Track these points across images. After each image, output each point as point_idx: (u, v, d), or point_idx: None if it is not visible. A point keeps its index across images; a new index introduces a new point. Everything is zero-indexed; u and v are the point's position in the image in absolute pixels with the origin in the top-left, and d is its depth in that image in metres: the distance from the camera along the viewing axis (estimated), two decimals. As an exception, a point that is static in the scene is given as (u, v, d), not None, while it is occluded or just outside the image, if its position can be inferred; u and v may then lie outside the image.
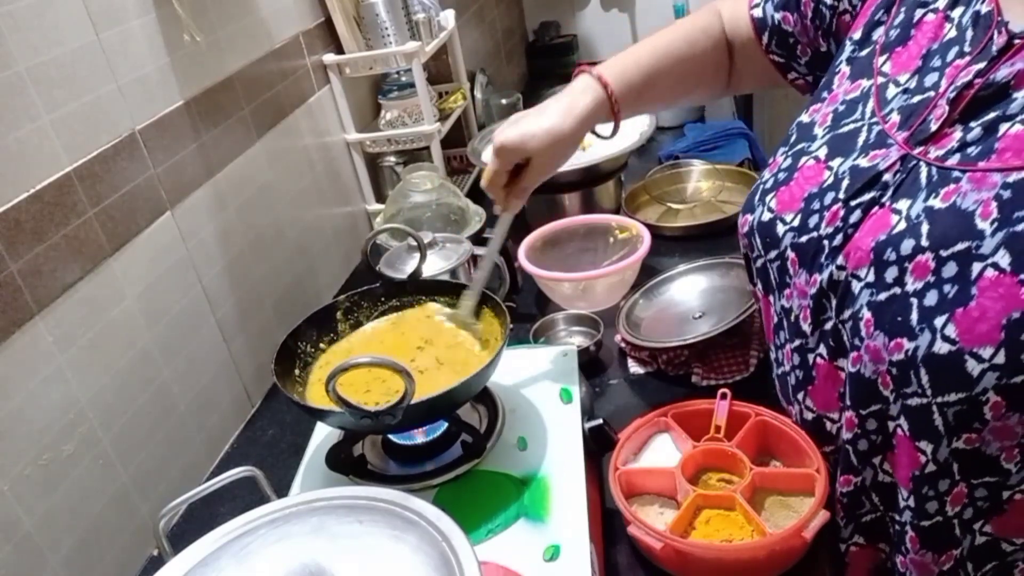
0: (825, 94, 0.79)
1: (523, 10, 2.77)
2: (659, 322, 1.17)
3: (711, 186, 1.60)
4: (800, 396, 0.81)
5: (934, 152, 0.65)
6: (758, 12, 0.90)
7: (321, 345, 0.90)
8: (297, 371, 0.86)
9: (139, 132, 0.98)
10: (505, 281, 1.31)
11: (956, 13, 0.69)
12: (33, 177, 0.83)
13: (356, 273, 1.56)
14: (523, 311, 1.30)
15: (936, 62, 0.68)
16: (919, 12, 0.72)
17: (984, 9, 0.66)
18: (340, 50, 1.50)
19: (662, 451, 0.90)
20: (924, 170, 0.65)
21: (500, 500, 0.76)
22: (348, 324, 0.93)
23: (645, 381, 1.11)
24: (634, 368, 1.13)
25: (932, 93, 0.67)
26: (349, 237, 1.57)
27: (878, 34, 0.76)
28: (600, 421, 0.86)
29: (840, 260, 0.70)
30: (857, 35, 0.78)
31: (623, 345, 1.15)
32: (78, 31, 0.90)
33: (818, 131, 0.77)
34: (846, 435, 0.74)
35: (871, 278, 0.67)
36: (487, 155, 1.59)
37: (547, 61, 2.63)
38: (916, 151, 0.66)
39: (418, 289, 0.94)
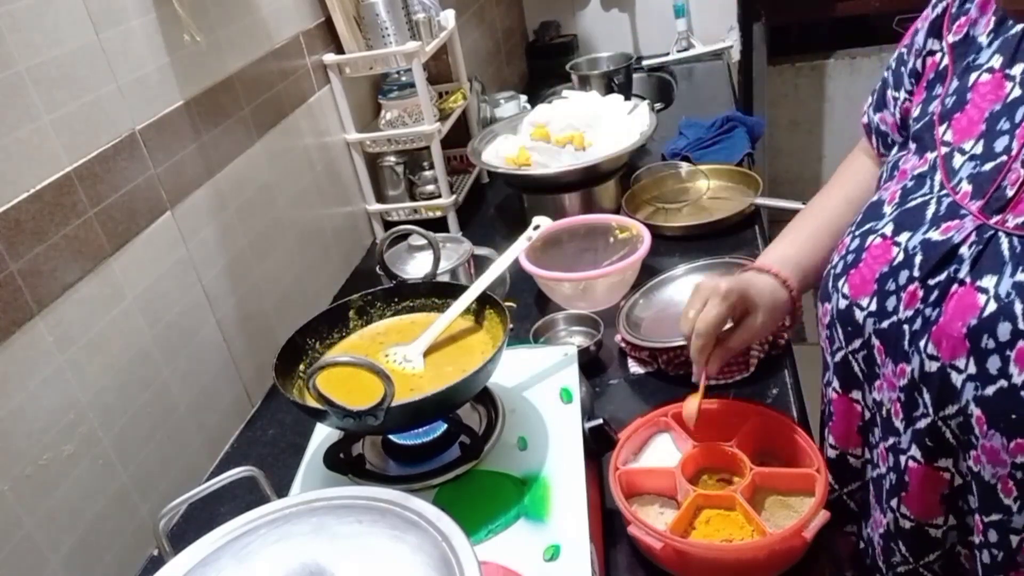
0: (895, 172, 0.76)
1: (523, 10, 2.77)
2: (659, 322, 1.17)
3: (711, 186, 1.60)
4: (894, 503, 0.74)
5: (1013, 220, 0.61)
6: (865, 119, 0.89)
7: (329, 343, 0.90)
8: (302, 367, 0.86)
9: (139, 132, 0.98)
10: (506, 281, 1.31)
11: (1017, 71, 0.65)
12: (33, 177, 0.83)
13: (356, 273, 1.56)
14: (523, 311, 1.30)
15: (1004, 124, 0.64)
16: (973, 76, 0.69)
17: None
18: (340, 50, 1.50)
19: (662, 451, 0.90)
20: (1005, 241, 0.61)
21: (500, 500, 0.75)
22: (360, 323, 0.93)
23: (645, 381, 1.11)
24: (634, 368, 1.13)
25: (1004, 157, 0.63)
26: (349, 237, 1.57)
27: (934, 106, 0.73)
28: (600, 421, 0.86)
29: (931, 348, 0.64)
30: (916, 112, 0.76)
31: (623, 345, 1.15)
32: (78, 31, 0.90)
33: (887, 209, 0.73)
34: (976, 539, 0.68)
35: (972, 369, 0.61)
36: (488, 155, 1.59)
37: (547, 61, 2.62)
38: (993, 220, 0.62)
39: (432, 291, 0.94)
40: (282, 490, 0.81)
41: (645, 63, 2.54)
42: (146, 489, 0.97)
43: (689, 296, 0.86)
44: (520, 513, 0.74)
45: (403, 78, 1.59)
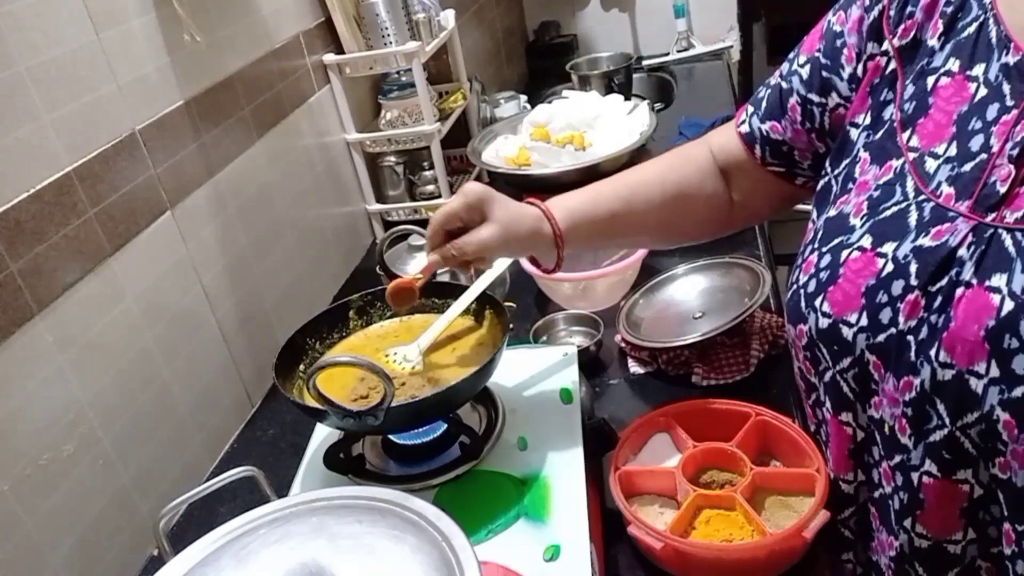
0: (850, 184, 0.74)
1: (523, 10, 2.77)
2: (659, 322, 1.17)
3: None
4: (908, 523, 0.70)
5: (1012, 216, 0.60)
6: (744, 128, 0.87)
7: (329, 343, 0.90)
8: (302, 367, 0.86)
9: (139, 132, 0.98)
10: (506, 281, 1.31)
11: (978, 71, 0.65)
12: (33, 177, 0.83)
13: (356, 273, 1.56)
14: (523, 311, 1.30)
15: (975, 124, 0.64)
16: (930, 80, 0.68)
17: (1012, 60, 0.62)
18: (340, 50, 1.50)
19: (662, 451, 0.90)
20: (1008, 238, 0.60)
21: (500, 500, 0.75)
22: (360, 323, 0.93)
23: (645, 381, 1.11)
24: (634, 368, 1.13)
25: (984, 155, 0.62)
26: (349, 237, 1.57)
27: (889, 113, 0.72)
28: (600, 421, 0.86)
29: (943, 356, 0.62)
30: (864, 119, 0.74)
31: (623, 345, 1.15)
32: (78, 31, 0.90)
33: (855, 221, 0.70)
34: (1006, 549, 0.65)
35: (995, 372, 0.59)
36: (488, 155, 1.59)
37: (547, 61, 2.63)
38: (989, 218, 0.61)
39: (432, 291, 0.94)
40: (282, 490, 0.81)
41: (645, 63, 2.54)
42: (146, 489, 0.97)
43: None
44: (520, 513, 0.74)
45: (403, 78, 1.59)
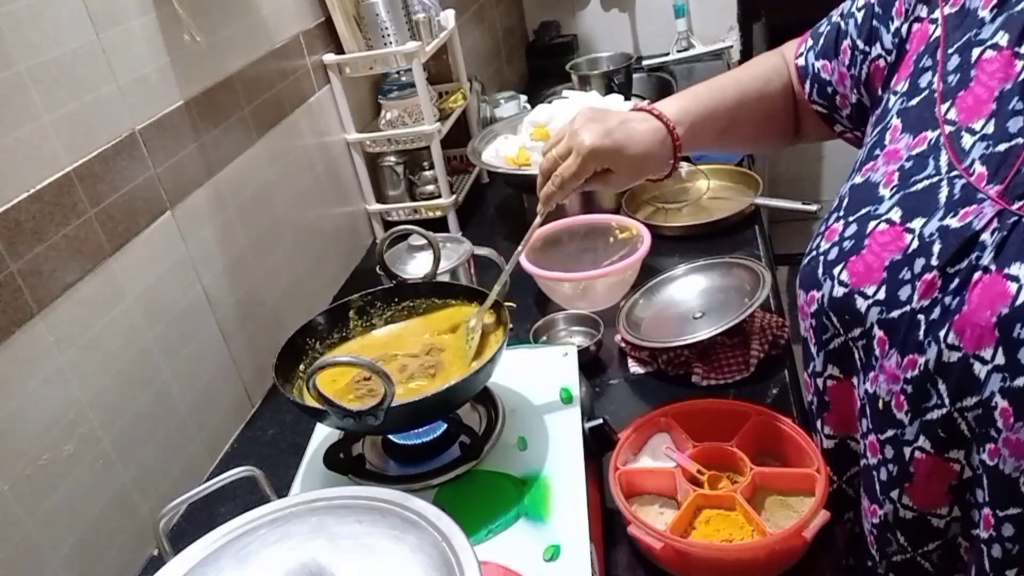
0: (878, 151, 0.73)
1: (523, 10, 2.77)
2: (659, 322, 1.17)
3: (711, 186, 1.60)
4: (894, 494, 0.72)
5: None
6: (801, 61, 0.88)
7: (329, 343, 0.90)
8: (302, 367, 0.86)
9: (139, 132, 0.98)
10: (506, 282, 1.31)
11: None
12: (33, 177, 0.83)
13: (356, 273, 1.56)
14: (523, 311, 1.30)
15: (1017, 104, 0.62)
16: (976, 51, 0.67)
17: None
18: (340, 50, 1.50)
19: (662, 451, 0.90)
20: None
21: (500, 500, 0.75)
22: (360, 323, 0.93)
23: (645, 381, 1.11)
24: (634, 368, 1.13)
25: (1021, 140, 0.61)
26: (349, 237, 1.57)
27: (927, 80, 0.70)
28: (600, 421, 0.86)
29: (951, 338, 0.62)
30: (903, 86, 0.73)
31: (623, 345, 1.15)
32: (78, 31, 0.90)
33: (884, 192, 0.69)
34: (983, 534, 0.66)
35: (1000, 360, 0.59)
36: (488, 155, 1.59)
37: (547, 61, 2.62)
38: (1015, 206, 0.60)
39: (432, 291, 0.94)
40: (282, 490, 0.81)
41: (645, 63, 2.54)
42: (146, 489, 0.97)
43: (570, 127, 0.88)
44: (520, 513, 0.74)
45: (403, 78, 1.59)
